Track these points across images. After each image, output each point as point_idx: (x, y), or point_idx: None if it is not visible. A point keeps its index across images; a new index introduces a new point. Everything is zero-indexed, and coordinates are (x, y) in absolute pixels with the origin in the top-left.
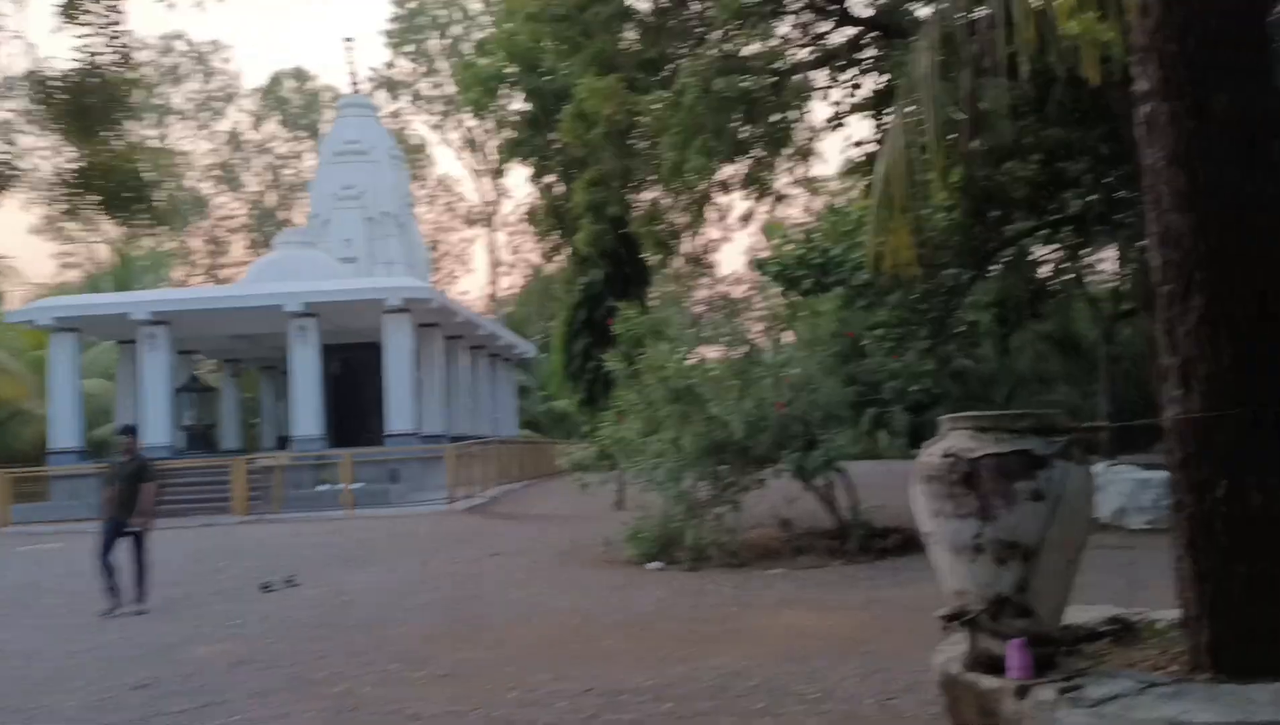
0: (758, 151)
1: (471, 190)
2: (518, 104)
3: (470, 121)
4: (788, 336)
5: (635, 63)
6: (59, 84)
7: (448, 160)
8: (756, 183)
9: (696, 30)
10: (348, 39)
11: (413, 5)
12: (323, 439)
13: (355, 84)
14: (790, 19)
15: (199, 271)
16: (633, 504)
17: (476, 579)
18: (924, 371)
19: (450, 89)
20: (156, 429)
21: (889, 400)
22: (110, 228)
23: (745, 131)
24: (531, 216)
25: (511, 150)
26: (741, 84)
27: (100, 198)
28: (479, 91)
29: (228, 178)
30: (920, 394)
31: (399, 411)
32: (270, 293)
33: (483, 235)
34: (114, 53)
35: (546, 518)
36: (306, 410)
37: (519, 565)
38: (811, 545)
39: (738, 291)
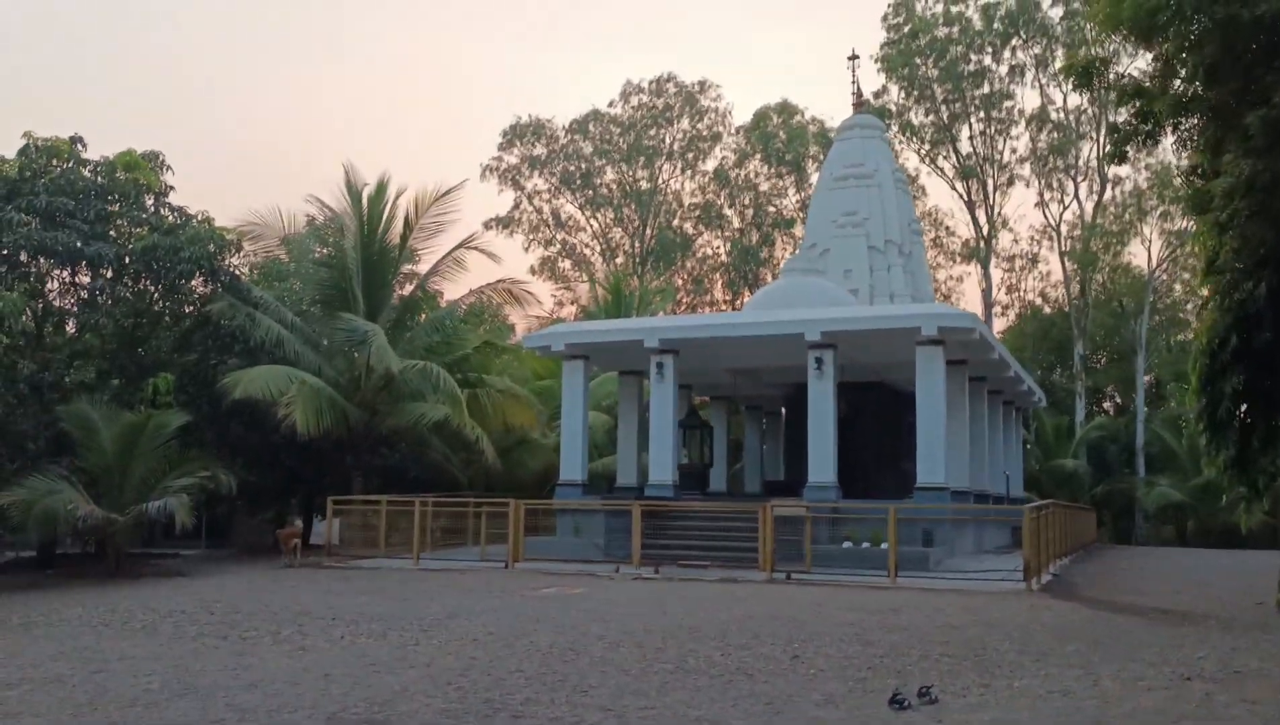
0: None
1: (964, 224)
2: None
3: (967, 145)
4: None
5: None
6: None
7: (938, 193)
8: None
9: None
10: (852, 56)
11: (907, 29)
12: (835, 488)
13: (859, 102)
14: None
15: (683, 311)
16: None
17: None
18: None
19: (946, 114)
20: (661, 466)
21: None
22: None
23: None
24: (1194, 202)
25: (1170, 108)
26: None
27: None
28: (1132, 22)
29: (709, 217)
30: None
31: (930, 462)
32: (789, 320)
33: (974, 272)
34: None
35: (1174, 614)
36: (821, 455)
37: (1267, 708)
38: None
39: None
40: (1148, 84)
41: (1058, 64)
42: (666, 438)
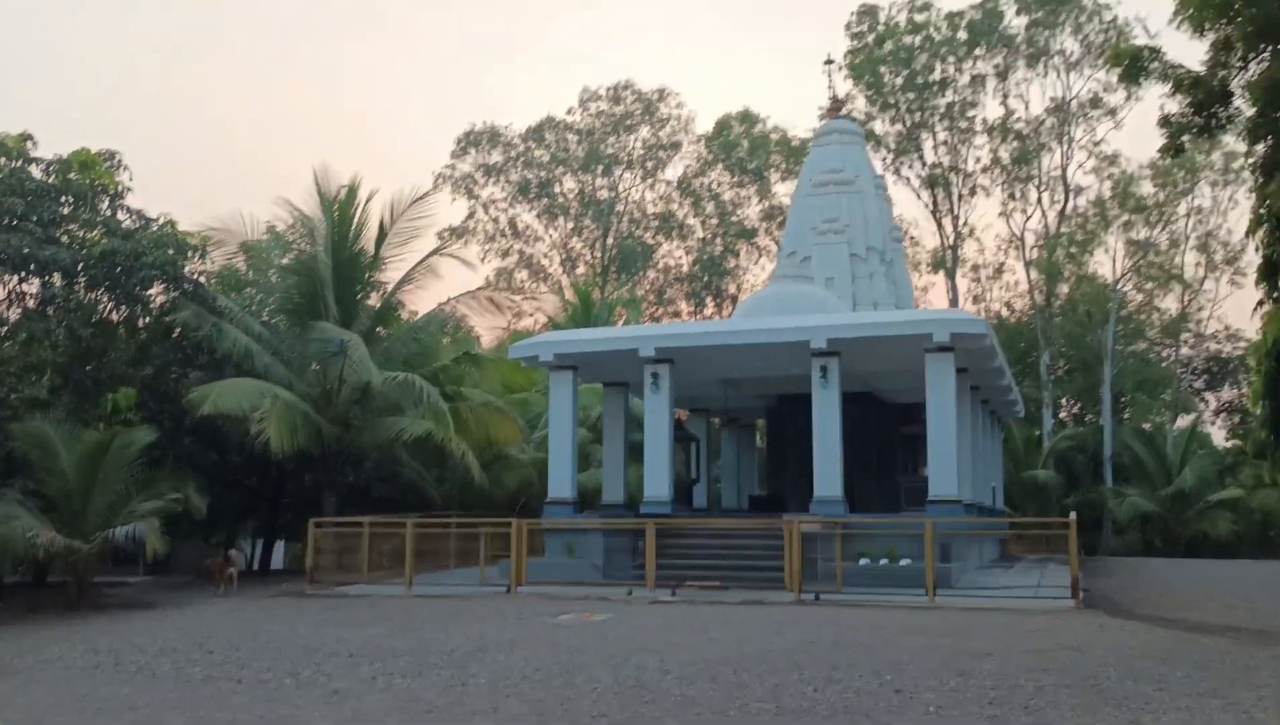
0: None
1: (929, 234)
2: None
3: (931, 155)
4: None
5: None
6: None
7: (902, 203)
8: None
9: None
10: (827, 61)
11: (871, 36)
12: (843, 502)
13: (834, 107)
14: None
15: (646, 322)
16: None
17: None
18: None
19: (910, 123)
20: (657, 481)
21: None
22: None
23: None
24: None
25: (1264, 94)
26: None
27: None
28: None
29: (670, 227)
30: None
31: (942, 473)
32: (793, 326)
33: (940, 282)
34: None
35: (1250, 633)
36: (827, 467)
37: None
38: None
39: None
40: (1204, 74)
41: (1019, 75)
42: (662, 452)
